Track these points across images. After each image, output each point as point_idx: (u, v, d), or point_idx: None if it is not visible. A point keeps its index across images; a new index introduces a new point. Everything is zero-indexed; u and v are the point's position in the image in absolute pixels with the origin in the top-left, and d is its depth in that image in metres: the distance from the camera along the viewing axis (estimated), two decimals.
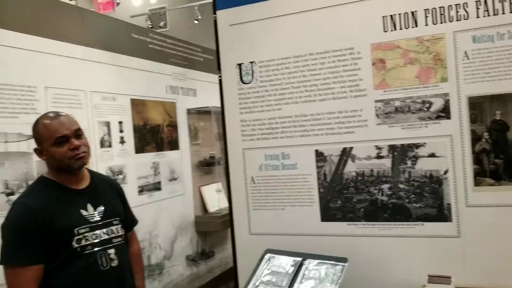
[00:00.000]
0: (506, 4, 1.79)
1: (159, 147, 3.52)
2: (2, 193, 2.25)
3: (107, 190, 1.88)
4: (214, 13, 2.33)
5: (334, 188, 2.11)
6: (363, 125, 2.05)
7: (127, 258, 1.87)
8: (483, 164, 1.87)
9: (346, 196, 2.09)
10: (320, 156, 2.13)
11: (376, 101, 2.01)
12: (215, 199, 4.20)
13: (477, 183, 1.87)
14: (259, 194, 2.26)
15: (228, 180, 2.35)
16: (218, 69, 2.33)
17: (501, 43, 1.80)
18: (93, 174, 1.89)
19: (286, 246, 2.08)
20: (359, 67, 2.04)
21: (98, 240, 1.72)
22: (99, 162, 2.88)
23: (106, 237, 1.76)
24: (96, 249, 1.71)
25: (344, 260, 1.88)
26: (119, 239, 1.81)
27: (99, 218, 1.75)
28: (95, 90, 2.91)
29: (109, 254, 1.74)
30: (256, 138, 2.26)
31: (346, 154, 2.08)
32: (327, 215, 2.13)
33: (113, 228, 1.79)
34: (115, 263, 1.75)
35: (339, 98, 2.08)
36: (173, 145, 3.71)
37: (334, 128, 2.10)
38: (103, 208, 1.77)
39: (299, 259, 1.97)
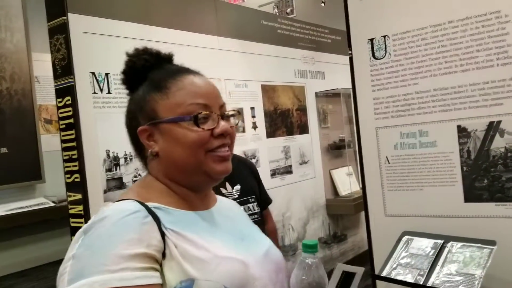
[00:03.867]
0: None
1: (289, 131, 3.59)
2: None
3: (243, 170, 1.98)
4: None
5: (479, 166, 1.94)
6: None
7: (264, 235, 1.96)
8: None
9: (494, 175, 1.91)
10: (463, 132, 1.98)
11: None
12: (346, 183, 4.16)
13: None
14: (395, 174, 2.18)
15: (361, 161, 2.30)
16: (348, 46, 2.29)
17: None
18: None
19: (424, 228, 1.98)
20: (507, 31, 1.84)
21: None
22: (235, 147, 3.04)
23: None
24: None
25: (492, 243, 1.73)
26: (255, 216, 1.90)
27: (236, 196, 1.86)
28: (228, 78, 3.08)
29: None
30: (390, 116, 2.17)
31: (493, 128, 1.90)
32: (471, 195, 1.97)
33: (250, 205, 1.89)
34: None
35: (484, 68, 1.90)
36: (303, 128, 3.76)
37: (478, 101, 1.93)
38: (240, 186, 1.88)
39: (440, 241, 1.86)
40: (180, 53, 2.64)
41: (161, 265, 0.85)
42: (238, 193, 1.87)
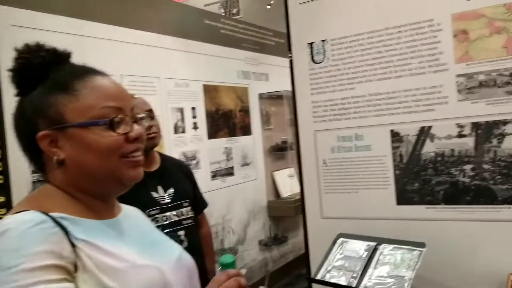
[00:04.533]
0: None
1: (232, 133, 3.57)
2: None
3: (177, 173, 1.92)
4: None
5: (411, 169, 2.00)
6: (443, 102, 1.91)
7: (198, 240, 1.92)
8: None
9: (424, 178, 1.97)
10: (396, 137, 2.03)
11: (458, 75, 1.87)
12: (288, 184, 4.19)
13: None
14: (332, 177, 2.20)
15: (299, 163, 2.31)
16: (288, 49, 2.29)
17: None
18: (163, 157, 1.95)
19: (359, 230, 2.01)
20: (439, 39, 1.90)
21: (168, 222, 1.78)
22: (173, 148, 2.98)
23: (176, 219, 1.80)
24: (166, 230, 1.76)
25: (422, 245, 1.78)
26: (189, 221, 1.85)
27: (169, 200, 1.80)
28: (168, 77, 3.00)
29: (179, 236, 1.79)
30: (328, 120, 2.19)
31: (424, 133, 1.96)
32: (403, 198, 2.03)
33: (183, 210, 1.84)
34: (185, 245, 1.80)
35: (417, 74, 1.96)
36: (246, 130, 3.75)
37: (411, 106, 1.98)
38: (173, 190, 1.82)
39: (373, 243, 1.90)
40: (112, 48, 2.57)
41: (74, 278, 0.79)
42: (171, 197, 1.81)
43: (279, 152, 4.20)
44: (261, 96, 3.97)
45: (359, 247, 1.91)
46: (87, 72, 0.94)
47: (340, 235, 2.02)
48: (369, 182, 2.10)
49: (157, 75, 2.91)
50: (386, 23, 2.01)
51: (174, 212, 1.81)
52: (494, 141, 1.82)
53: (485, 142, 1.84)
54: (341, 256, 1.91)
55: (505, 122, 1.79)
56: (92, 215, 0.91)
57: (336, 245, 1.98)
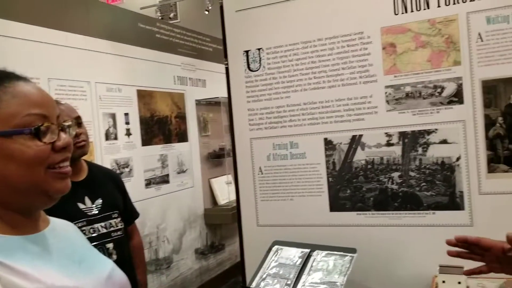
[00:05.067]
0: None
1: (167, 139, 3.49)
2: None
3: (106, 182, 1.84)
4: None
5: (343, 177, 2.05)
6: (372, 112, 1.98)
7: (127, 252, 1.84)
8: (497, 150, 1.79)
9: (356, 185, 2.03)
10: (329, 145, 2.08)
11: (386, 86, 1.95)
12: (225, 191, 4.17)
13: (490, 170, 1.80)
14: (267, 184, 2.21)
15: (235, 171, 2.30)
16: (224, 57, 2.28)
17: None
18: (91, 166, 1.86)
19: (294, 237, 2.04)
20: (369, 52, 1.98)
21: (96, 234, 1.70)
22: (104, 155, 2.86)
23: (105, 231, 1.73)
24: (93, 243, 1.67)
25: (353, 250, 1.83)
26: (119, 232, 1.78)
27: (97, 212, 1.72)
28: (100, 81, 2.88)
29: (108, 249, 1.72)
30: (264, 128, 2.21)
31: (355, 142, 2.03)
32: (336, 205, 2.07)
33: (112, 221, 1.76)
34: (113, 258, 1.73)
35: (349, 85, 2.02)
36: (182, 137, 3.68)
37: (343, 116, 2.04)
38: (102, 201, 1.74)
39: (307, 250, 1.93)
40: (39, 51, 2.43)
41: None
42: (99, 208, 1.73)
43: (217, 159, 4.17)
44: (198, 102, 3.93)
45: (294, 254, 1.93)
46: (8, 77, 0.86)
47: (275, 243, 2.03)
48: (303, 190, 2.14)
49: (87, 79, 2.79)
50: (320, 34, 2.05)
51: (102, 224, 1.73)
52: (420, 150, 1.91)
53: (411, 151, 1.92)
54: (276, 263, 1.92)
55: (429, 132, 1.89)
56: (10, 230, 0.83)
57: (271, 253, 1.98)
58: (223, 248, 4.12)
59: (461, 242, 1.09)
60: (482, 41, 1.78)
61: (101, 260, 1.00)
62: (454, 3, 1.82)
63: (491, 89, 1.79)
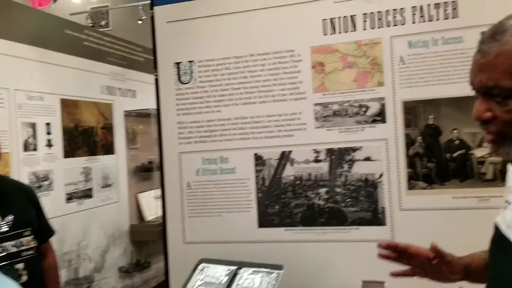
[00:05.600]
0: (441, 11, 1.83)
1: (92, 151, 3.33)
2: None
3: (19, 197, 1.71)
4: (152, 8, 2.23)
5: (272, 192, 2.05)
6: (302, 129, 2.01)
7: (39, 272, 1.71)
8: (416, 168, 1.88)
9: (284, 201, 2.04)
10: (259, 160, 2.07)
11: (315, 104, 1.99)
12: (153, 207, 4.03)
13: (410, 186, 1.89)
14: (196, 200, 2.17)
15: (162, 186, 2.23)
16: (154, 67, 2.23)
17: (435, 48, 1.83)
18: (2, 179, 1.71)
19: (222, 254, 2.00)
20: (299, 69, 2.01)
21: (5, 254, 1.56)
22: (22, 167, 2.66)
23: (15, 250, 1.59)
24: (1, 264, 1.54)
25: (279, 267, 1.82)
26: (30, 252, 1.65)
27: (7, 229, 1.58)
28: (20, 89, 2.70)
29: (17, 269, 1.58)
30: (193, 141, 2.16)
31: (285, 157, 2.04)
32: (264, 220, 2.07)
33: (23, 240, 1.63)
34: (24, 279, 1.59)
35: (279, 101, 2.04)
36: (108, 149, 3.53)
37: (273, 131, 2.05)
38: (13, 217, 1.61)
39: (234, 268, 1.89)
40: None
41: None
42: (10, 225, 1.59)
43: (145, 172, 4.03)
44: (127, 114, 3.80)
45: (220, 272, 1.89)
46: None
47: (202, 260, 1.98)
48: (232, 205, 2.11)
49: (5, 86, 2.59)
50: (252, 49, 2.06)
51: (12, 243, 1.59)
52: (345, 166, 1.96)
53: (338, 167, 1.97)
54: (201, 282, 1.86)
55: (354, 149, 1.95)
56: None
57: (197, 271, 1.93)
58: (149, 266, 3.96)
59: (392, 248, 1.16)
60: (404, 64, 1.88)
61: (5, 284, 0.91)
62: (378, 27, 1.91)
63: (411, 109, 1.88)
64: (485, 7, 1.78)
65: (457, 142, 1.84)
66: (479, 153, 1.83)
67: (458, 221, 1.82)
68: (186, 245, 2.17)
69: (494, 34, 0.81)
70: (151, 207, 4.02)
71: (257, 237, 2.07)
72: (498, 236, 0.93)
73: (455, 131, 1.84)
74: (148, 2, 2.27)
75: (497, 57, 0.79)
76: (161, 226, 3.63)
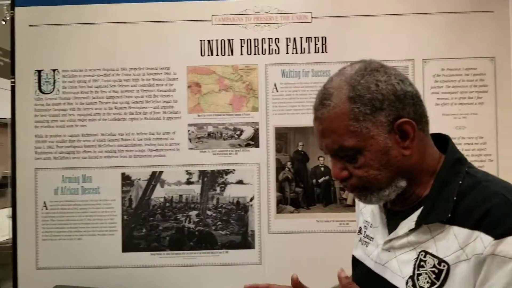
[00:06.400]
0: (312, 44, 1.93)
1: None
2: None
3: None
4: (13, 9, 2.00)
5: (139, 215, 1.94)
6: (175, 149, 1.95)
7: None
8: (285, 192, 1.94)
9: (152, 224, 1.94)
10: (126, 180, 1.95)
11: (190, 124, 1.95)
12: (6, 227, 3.59)
13: (279, 210, 1.94)
14: (52, 222, 1.96)
15: (14, 205, 1.98)
16: (11, 74, 1.99)
17: (306, 79, 1.93)
18: None
19: (80, 280, 1.85)
20: (174, 88, 1.96)
21: None
22: None
23: None
24: None
25: None
26: None
27: None
28: None
29: None
30: (53, 157, 1.96)
31: (155, 178, 1.95)
32: (129, 244, 1.94)
33: None
34: None
35: (152, 119, 1.96)
36: None
37: (144, 150, 1.96)
38: None
39: None
40: None
41: None
42: None
43: None
44: None
45: None
46: None
47: (57, 287, 1.79)
48: (95, 228, 1.95)
49: None
50: (124, 63, 1.96)
51: None
52: (218, 189, 1.94)
53: (210, 190, 1.94)
54: None
55: (227, 172, 1.94)
56: None
57: None
58: None
59: None
60: (277, 91, 1.94)
61: None
62: (255, 54, 1.95)
63: (282, 136, 1.94)
64: (350, 45, 1.92)
65: (322, 168, 1.94)
66: None
67: (321, 244, 1.91)
68: (40, 271, 1.95)
69: (322, 100, 0.86)
70: (4, 226, 3.57)
71: (120, 262, 1.94)
72: (366, 271, 0.95)
73: (321, 158, 1.93)
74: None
75: (332, 122, 0.84)
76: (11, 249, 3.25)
